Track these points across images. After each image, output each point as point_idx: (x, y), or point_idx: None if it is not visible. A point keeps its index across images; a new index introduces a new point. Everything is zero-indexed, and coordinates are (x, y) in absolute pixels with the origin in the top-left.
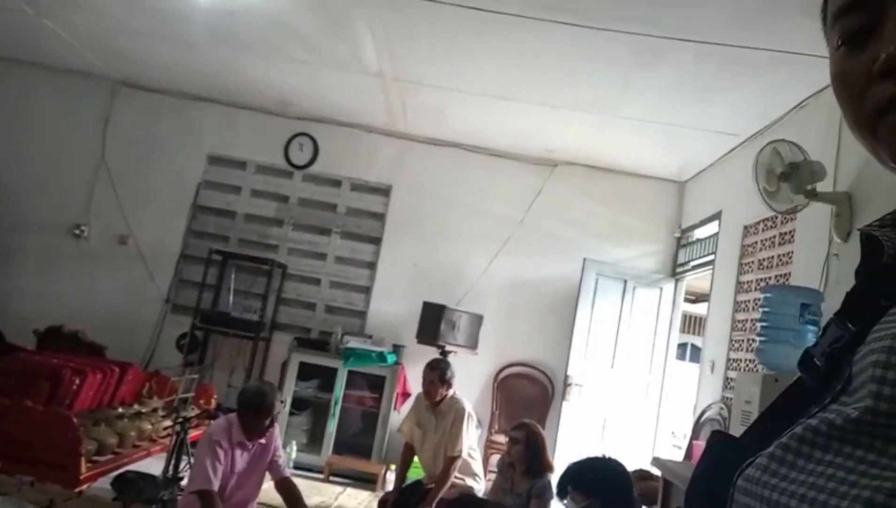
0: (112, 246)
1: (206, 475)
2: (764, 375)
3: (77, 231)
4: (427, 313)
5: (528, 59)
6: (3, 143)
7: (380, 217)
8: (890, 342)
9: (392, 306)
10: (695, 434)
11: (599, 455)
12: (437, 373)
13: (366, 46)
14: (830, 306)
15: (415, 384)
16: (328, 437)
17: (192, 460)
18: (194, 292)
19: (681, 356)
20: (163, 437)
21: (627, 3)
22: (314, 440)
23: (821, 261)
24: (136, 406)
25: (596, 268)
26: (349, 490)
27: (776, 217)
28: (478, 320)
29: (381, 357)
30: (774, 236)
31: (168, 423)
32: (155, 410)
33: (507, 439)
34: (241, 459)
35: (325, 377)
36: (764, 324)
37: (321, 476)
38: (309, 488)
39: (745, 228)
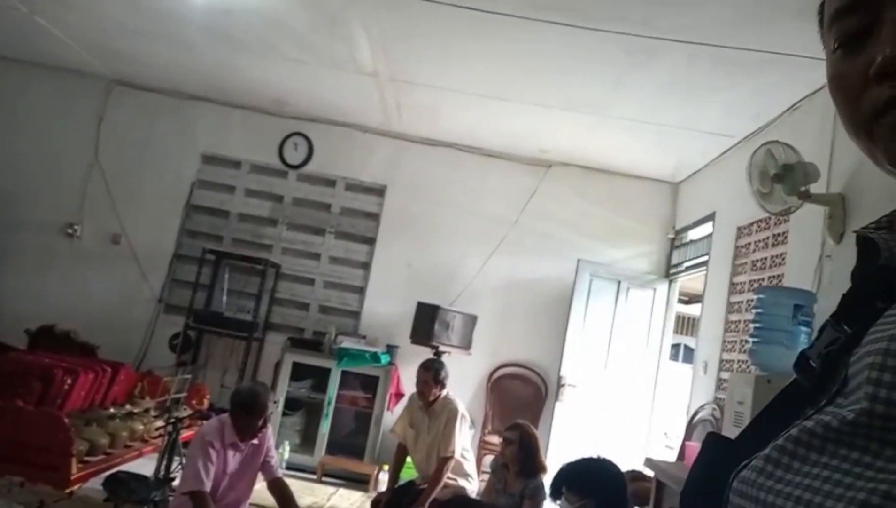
0: (105, 245)
1: (197, 475)
2: (757, 376)
3: (70, 230)
4: (421, 314)
5: (522, 59)
6: None
7: (374, 217)
8: (886, 345)
9: (386, 306)
10: (687, 435)
11: (594, 455)
12: (431, 373)
13: (361, 46)
14: (823, 307)
15: (408, 385)
16: (321, 437)
17: (184, 460)
18: (188, 291)
19: (674, 357)
20: (155, 437)
21: (622, 3)
22: (307, 441)
23: (814, 262)
24: (128, 407)
25: (590, 269)
26: (342, 490)
27: (769, 218)
28: (472, 320)
29: (375, 358)
30: (768, 238)
31: (160, 423)
32: (147, 410)
33: (500, 439)
34: (233, 460)
35: (319, 378)
36: (757, 325)
37: (314, 477)
38: (301, 488)
39: (739, 229)
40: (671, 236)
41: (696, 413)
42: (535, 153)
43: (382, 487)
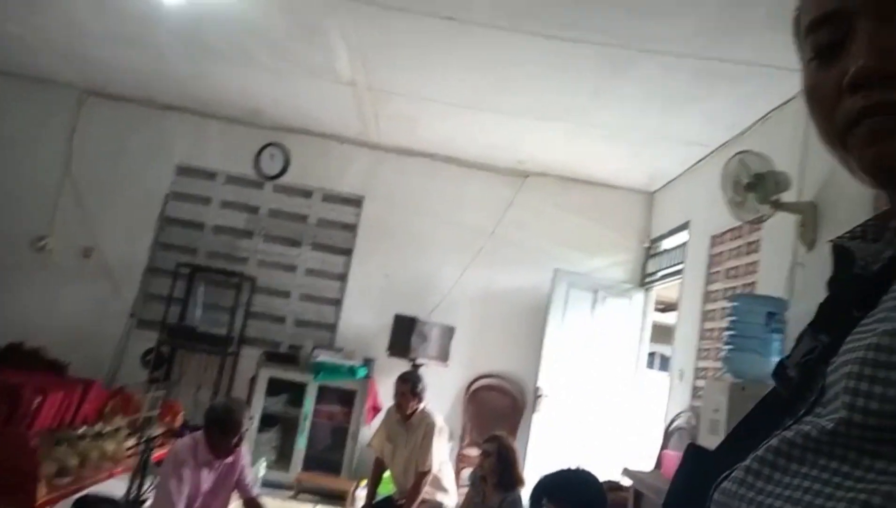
0: (76, 259)
1: (169, 496)
2: (731, 383)
3: (40, 244)
4: (398, 326)
5: (499, 69)
6: None
7: (351, 228)
8: (863, 354)
9: (363, 318)
10: (664, 444)
11: (573, 466)
12: (409, 386)
13: (339, 56)
14: (796, 314)
15: (386, 398)
16: (297, 453)
17: (156, 480)
18: (161, 306)
19: (650, 366)
20: (127, 457)
21: (598, 15)
22: (283, 457)
23: (786, 270)
24: (98, 426)
25: (567, 278)
26: (319, 506)
27: (743, 227)
28: (449, 331)
29: (352, 371)
30: (741, 246)
31: (132, 443)
32: (119, 429)
33: (478, 452)
34: (207, 479)
35: (295, 392)
36: (731, 333)
37: (290, 494)
38: (278, 506)
39: (713, 237)
40: (646, 245)
41: (672, 422)
42: (513, 163)
43: (360, 503)
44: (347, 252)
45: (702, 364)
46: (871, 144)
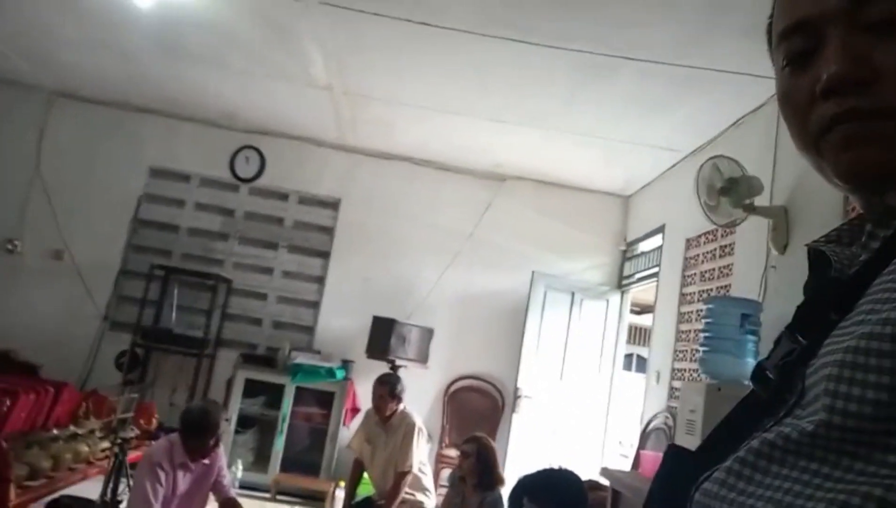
0: (47, 261)
1: (145, 498)
2: (707, 384)
3: (9, 246)
4: (377, 328)
5: (476, 74)
6: None
7: (328, 231)
8: (842, 356)
9: (341, 320)
10: (641, 444)
11: (555, 466)
12: (387, 388)
13: (314, 59)
14: (769, 316)
15: (364, 400)
16: (275, 455)
17: (131, 482)
18: (134, 308)
19: (627, 367)
20: (100, 459)
21: (574, 21)
22: (261, 459)
23: (759, 272)
24: (71, 428)
25: (544, 281)
26: None
27: (717, 230)
28: (428, 333)
29: (330, 373)
30: (715, 249)
31: (106, 445)
32: (92, 431)
33: (458, 453)
34: (183, 481)
35: (273, 394)
36: (707, 334)
37: (268, 495)
38: (256, 507)
39: (688, 241)
40: (623, 248)
41: (649, 422)
42: (490, 167)
43: (339, 504)
44: (325, 255)
45: (678, 366)
46: (844, 150)
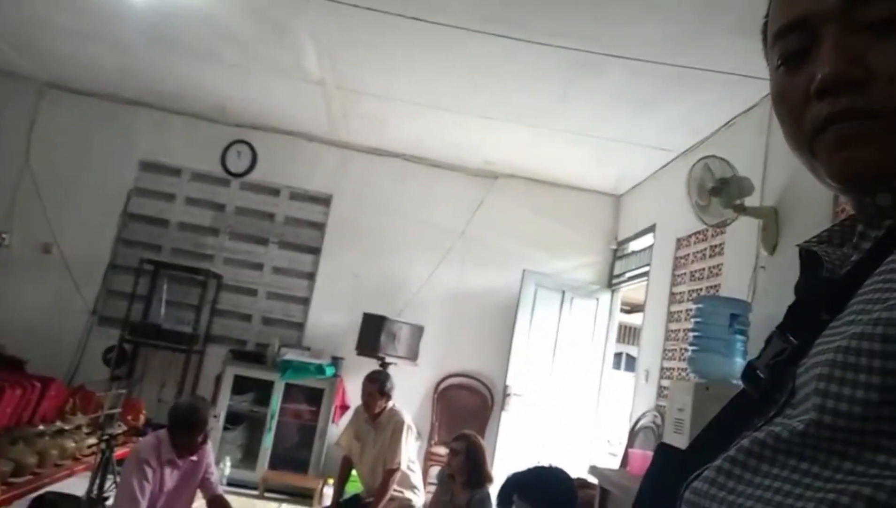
0: (35, 254)
1: (132, 495)
2: (696, 383)
3: None
4: (367, 325)
5: (469, 71)
6: None
7: (319, 227)
8: (832, 356)
9: (331, 317)
10: (630, 442)
11: (545, 464)
12: (377, 385)
13: (308, 54)
14: (758, 316)
15: (354, 397)
16: (264, 452)
17: (118, 479)
18: (123, 303)
19: (616, 366)
20: (87, 456)
21: (567, 19)
22: (249, 456)
23: (749, 273)
24: (58, 423)
25: (535, 279)
26: (285, 505)
27: (707, 230)
28: (418, 331)
29: (320, 370)
30: (705, 249)
31: (93, 441)
32: (79, 427)
33: (447, 450)
34: (170, 477)
35: (261, 391)
36: (696, 334)
37: (256, 493)
38: (243, 505)
39: (678, 240)
40: (613, 247)
41: (638, 421)
42: (482, 165)
43: (327, 501)
44: (316, 251)
45: (667, 364)
46: (837, 150)
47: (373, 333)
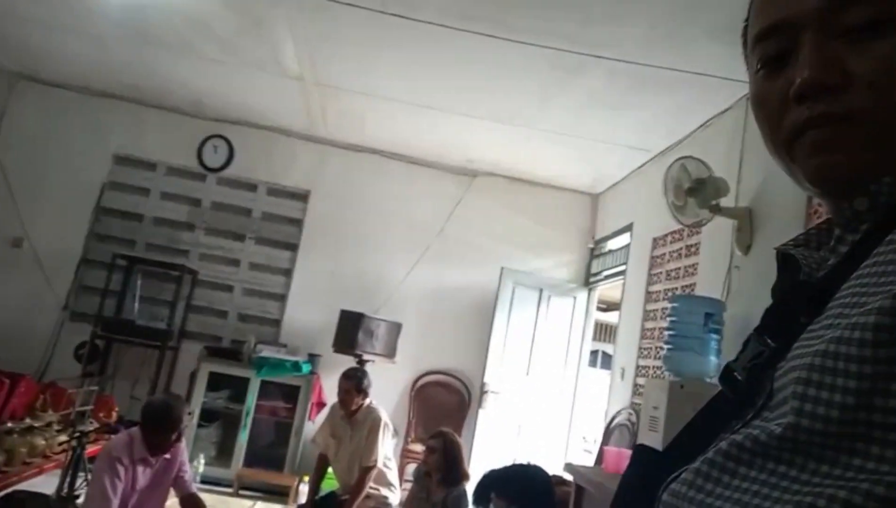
0: (5, 249)
1: (104, 493)
2: (671, 381)
3: None
4: (344, 322)
5: (449, 68)
6: None
7: (297, 223)
8: (811, 360)
9: (308, 314)
10: (605, 440)
11: (522, 461)
12: (354, 382)
13: (285, 49)
14: (732, 315)
15: (330, 394)
16: (239, 449)
17: (89, 477)
18: (96, 298)
19: (592, 363)
20: (58, 453)
21: (547, 18)
22: (224, 453)
23: (723, 272)
24: (28, 421)
25: (513, 277)
26: (260, 503)
27: (683, 230)
28: (396, 328)
29: (296, 367)
30: (681, 249)
31: (64, 438)
32: (49, 424)
33: (423, 447)
34: (143, 476)
35: (237, 388)
36: (671, 333)
37: (230, 490)
38: (217, 502)
39: (655, 240)
40: (591, 245)
41: (613, 418)
42: (461, 163)
43: (302, 499)
44: (293, 247)
45: (643, 363)
46: (815, 154)
47: (350, 330)
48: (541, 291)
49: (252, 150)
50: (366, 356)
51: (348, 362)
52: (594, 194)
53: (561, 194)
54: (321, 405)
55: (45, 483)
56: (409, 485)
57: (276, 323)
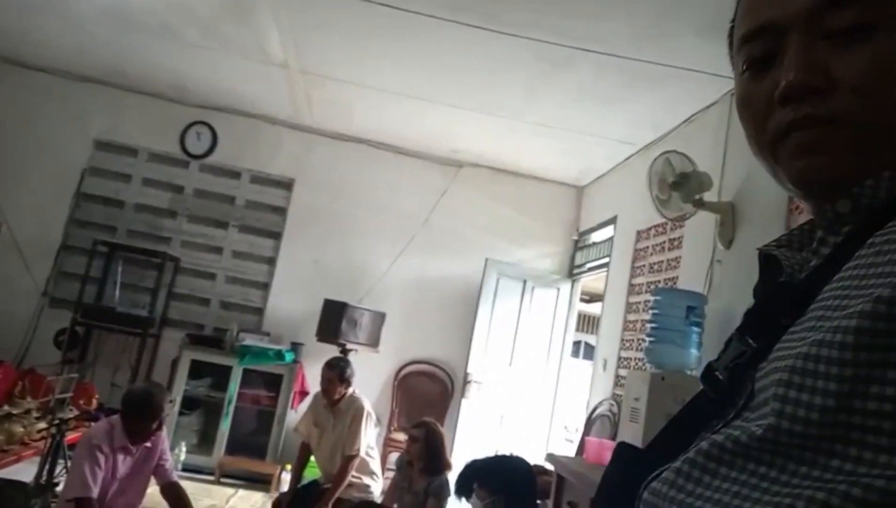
0: None
1: (84, 481)
2: (652, 373)
3: None
4: (328, 311)
5: (437, 59)
6: None
7: (281, 211)
8: (792, 362)
9: (291, 302)
10: (587, 430)
11: (505, 452)
12: (336, 372)
13: (270, 35)
14: (713, 308)
15: (313, 383)
16: (220, 437)
17: (68, 464)
18: (76, 285)
19: (575, 354)
20: (36, 441)
21: (535, 10)
22: (206, 441)
23: (705, 266)
24: (6, 408)
25: (497, 268)
26: (242, 491)
27: (666, 224)
28: (380, 318)
29: (279, 355)
30: (664, 242)
31: (43, 425)
32: (28, 411)
33: (406, 437)
34: (123, 464)
35: (219, 376)
36: (653, 325)
37: (212, 478)
38: (199, 490)
39: (638, 232)
40: (575, 237)
41: (595, 409)
42: (447, 153)
43: (285, 487)
44: (276, 235)
45: (625, 354)
46: (798, 156)
47: (334, 319)
48: (525, 282)
49: (236, 137)
50: (349, 346)
51: (331, 351)
52: (579, 186)
53: (546, 185)
54: (304, 393)
55: (24, 471)
56: (391, 474)
57: (259, 311)
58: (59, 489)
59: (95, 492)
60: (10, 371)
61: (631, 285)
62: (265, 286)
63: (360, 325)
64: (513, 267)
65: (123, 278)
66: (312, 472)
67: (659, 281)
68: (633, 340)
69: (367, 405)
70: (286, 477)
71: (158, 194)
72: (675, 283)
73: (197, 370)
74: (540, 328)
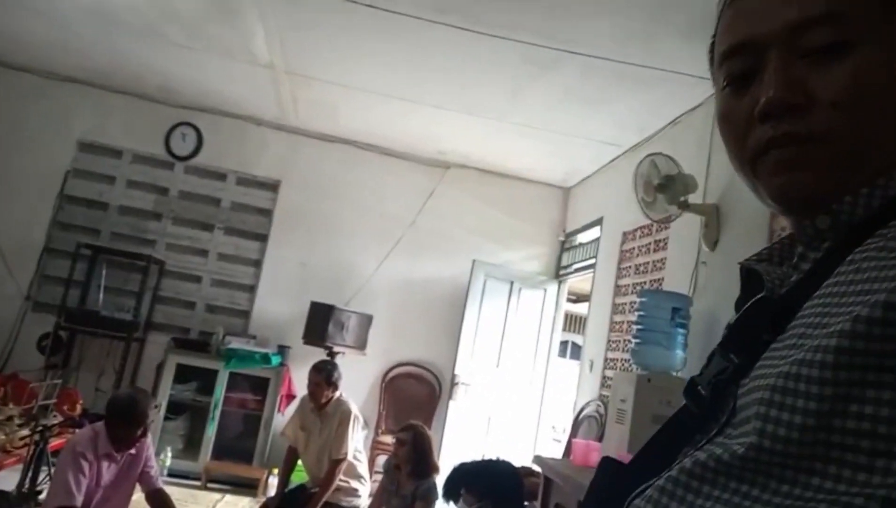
0: None
1: (68, 489)
2: (638, 375)
3: None
4: (314, 314)
5: (423, 60)
6: None
7: (267, 213)
8: (773, 381)
9: (278, 305)
10: (574, 432)
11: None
12: (323, 375)
13: (256, 36)
14: (698, 309)
15: (300, 386)
16: (206, 442)
17: (52, 472)
18: (59, 288)
19: (562, 354)
20: (19, 448)
21: (521, 13)
22: (191, 446)
23: (690, 268)
24: None
25: (484, 269)
26: (228, 496)
27: (652, 225)
28: (367, 320)
29: (265, 359)
30: (650, 243)
31: (25, 433)
32: (10, 418)
33: (393, 440)
34: (107, 471)
35: (205, 380)
36: (639, 326)
37: (198, 483)
38: (185, 496)
39: (624, 234)
40: (561, 238)
41: (582, 410)
42: (434, 154)
43: (272, 492)
44: (262, 238)
45: (611, 355)
46: (777, 173)
47: (320, 322)
48: (511, 283)
49: (221, 138)
50: (336, 349)
51: (318, 354)
52: (565, 187)
53: (532, 187)
54: (291, 397)
55: (6, 479)
56: (379, 478)
57: (246, 314)
58: (42, 497)
59: (79, 500)
60: None
61: (617, 287)
62: (251, 289)
63: (346, 327)
64: (500, 268)
65: (107, 281)
66: (300, 476)
67: (645, 282)
68: (619, 341)
69: (355, 409)
70: (273, 482)
71: (143, 196)
72: (660, 284)
73: (182, 375)
74: (527, 329)
